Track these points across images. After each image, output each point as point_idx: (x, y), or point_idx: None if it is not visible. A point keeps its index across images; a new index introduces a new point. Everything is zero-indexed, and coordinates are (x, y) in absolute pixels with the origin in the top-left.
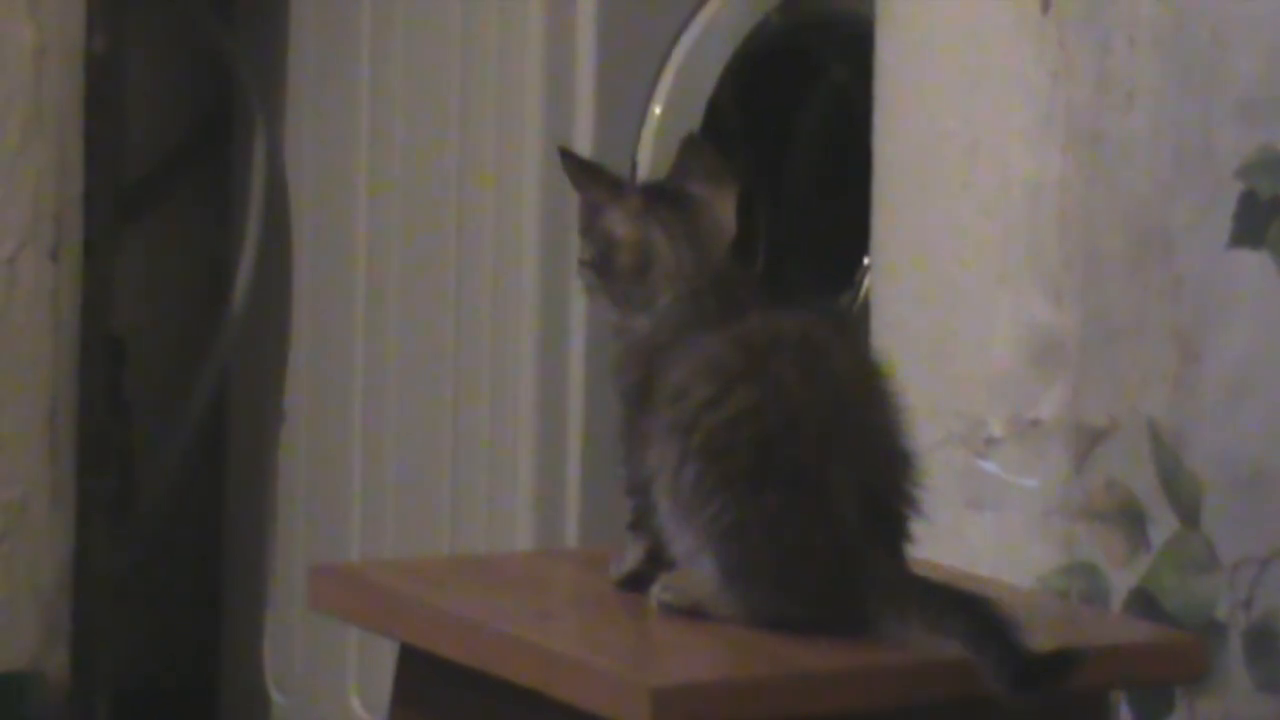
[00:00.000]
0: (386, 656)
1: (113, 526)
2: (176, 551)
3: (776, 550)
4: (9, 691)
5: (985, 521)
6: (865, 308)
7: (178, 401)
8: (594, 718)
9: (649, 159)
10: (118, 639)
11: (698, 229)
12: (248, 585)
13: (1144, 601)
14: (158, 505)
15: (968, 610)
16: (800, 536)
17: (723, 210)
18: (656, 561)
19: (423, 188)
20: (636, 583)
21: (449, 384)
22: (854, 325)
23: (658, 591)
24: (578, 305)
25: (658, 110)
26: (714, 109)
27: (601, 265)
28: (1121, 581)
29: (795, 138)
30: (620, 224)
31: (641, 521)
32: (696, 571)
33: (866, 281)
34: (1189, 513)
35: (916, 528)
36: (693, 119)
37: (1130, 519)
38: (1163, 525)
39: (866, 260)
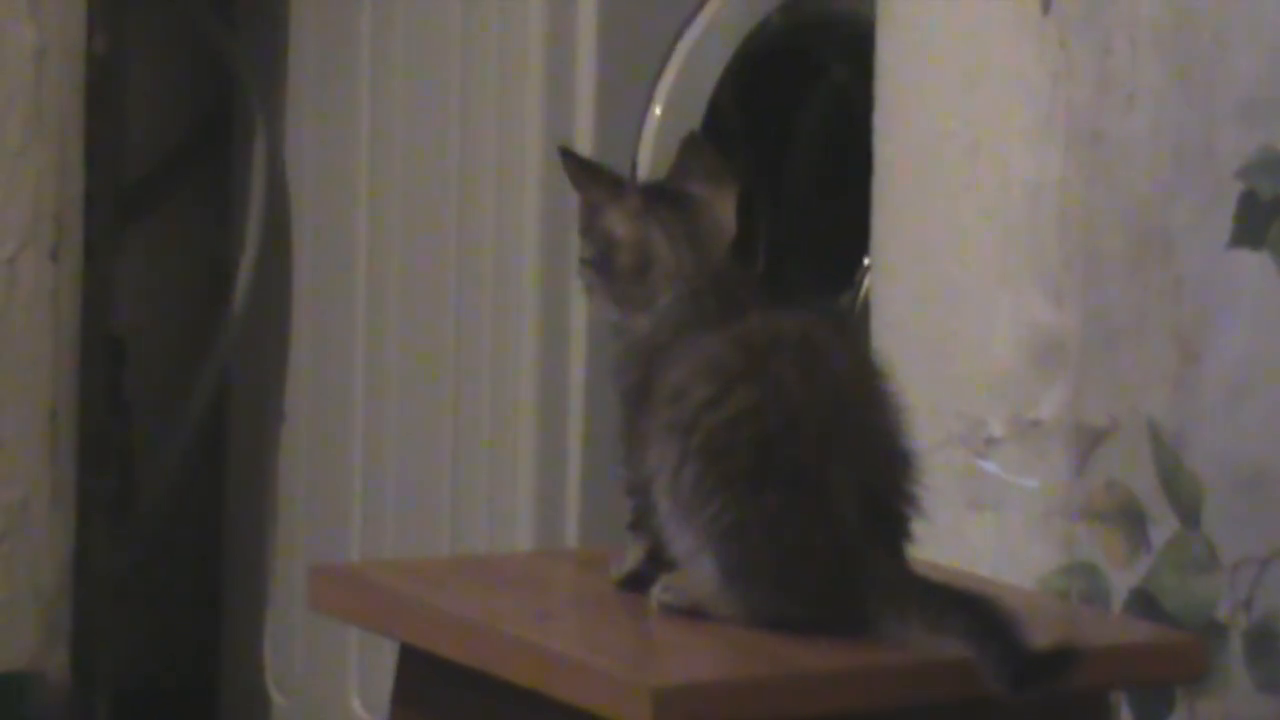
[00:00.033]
0: (386, 656)
1: (113, 526)
2: (176, 551)
3: (776, 550)
4: (9, 691)
5: (985, 522)
6: (865, 308)
7: (178, 401)
8: (594, 718)
9: (649, 159)
10: (118, 639)
11: (698, 229)
12: (248, 585)
13: (1144, 602)
14: (158, 505)
15: (968, 609)
16: (800, 536)
17: (723, 210)
18: (657, 562)
19: (423, 188)
20: (637, 583)
21: (449, 384)
22: (854, 325)
23: (658, 592)
24: (578, 305)
25: (658, 110)
26: (714, 109)
27: (601, 265)
28: (1122, 582)
29: (795, 138)
30: (620, 223)
31: (641, 522)
32: (696, 572)
33: (866, 281)
34: (1189, 513)
35: (917, 528)
36: (693, 119)
37: (1130, 519)
38: (1163, 526)
39: (866, 260)
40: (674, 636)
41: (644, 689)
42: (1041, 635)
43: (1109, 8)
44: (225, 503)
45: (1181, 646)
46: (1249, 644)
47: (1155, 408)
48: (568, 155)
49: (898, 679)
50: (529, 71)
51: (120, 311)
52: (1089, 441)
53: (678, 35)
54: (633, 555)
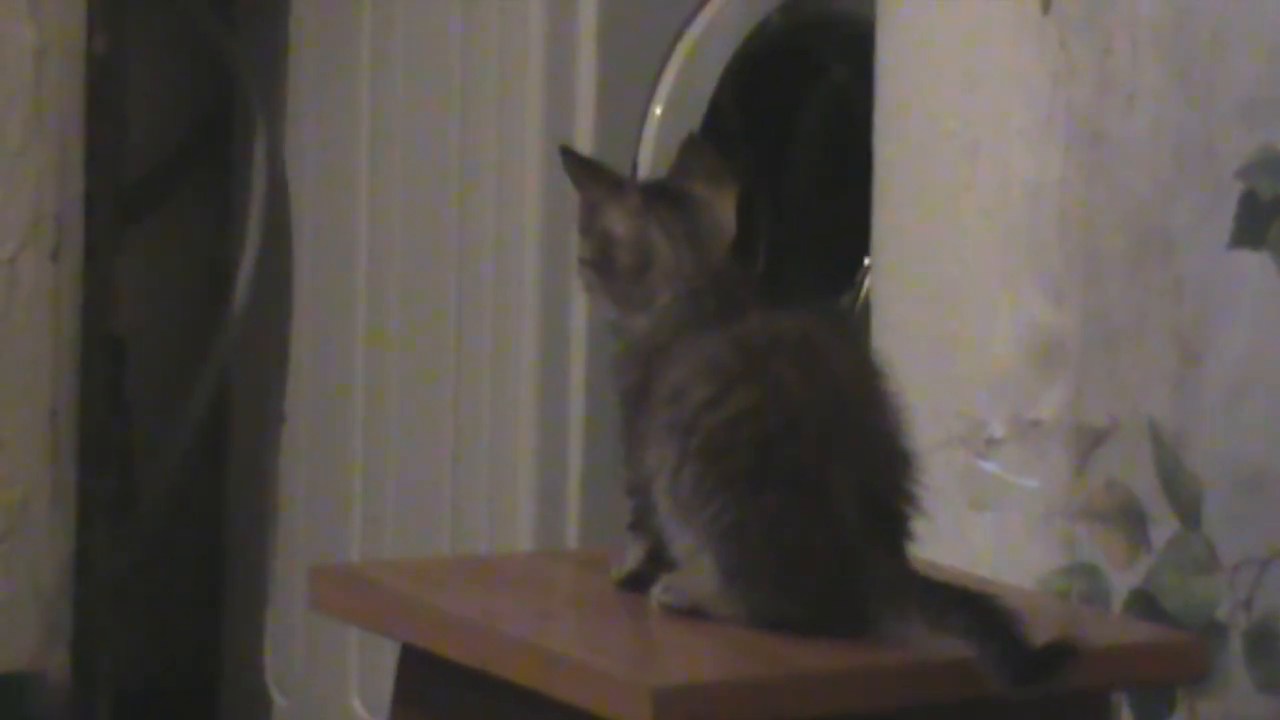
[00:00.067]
0: (387, 657)
1: (113, 526)
2: (176, 551)
3: (777, 550)
4: (9, 691)
5: (986, 522)
6: (865, 308)
7: (178, 402)
8: (594, 718)
9: (649, 159)
10: (118, 639)
11: (697, 229)
12: (248, 585)
13: (1145, 602)
14: (158, 505)
15: (969, 607)
16: (800, 537)
17: (723, 210)
18: (657, 562)
19: (423, 188)
20: (637, 583)
21: (449, 384)
22: (854, 325)
23: (658, 592)
24: (578, 305)
25: (658, 110)
26: (714, 109)
27: (601, 264)
28: (1122, 582)
29: (795, 138)
30: (619, 223)
31: (642, 522)
32: (696, 572)
33: (866, 281)
34: (1190, 513)
35: (917, 527)
36: (693, 119)
37: (1131, 520)
38: (1163, 526)
39: (866, 260)
40: (674, 636)
41: (644, 689)
42: (1042, 635)
43: (1109, 8)
44: (225, 503)
45: (1182, 647)
46: (1249, 644)
47: (1155, 408)
48: (568, 154)
49: (898, 679)
50: (529, 71)
51: (120, 311)
52: (1089, 441)
53: (678, 35)
54: (633, 555)
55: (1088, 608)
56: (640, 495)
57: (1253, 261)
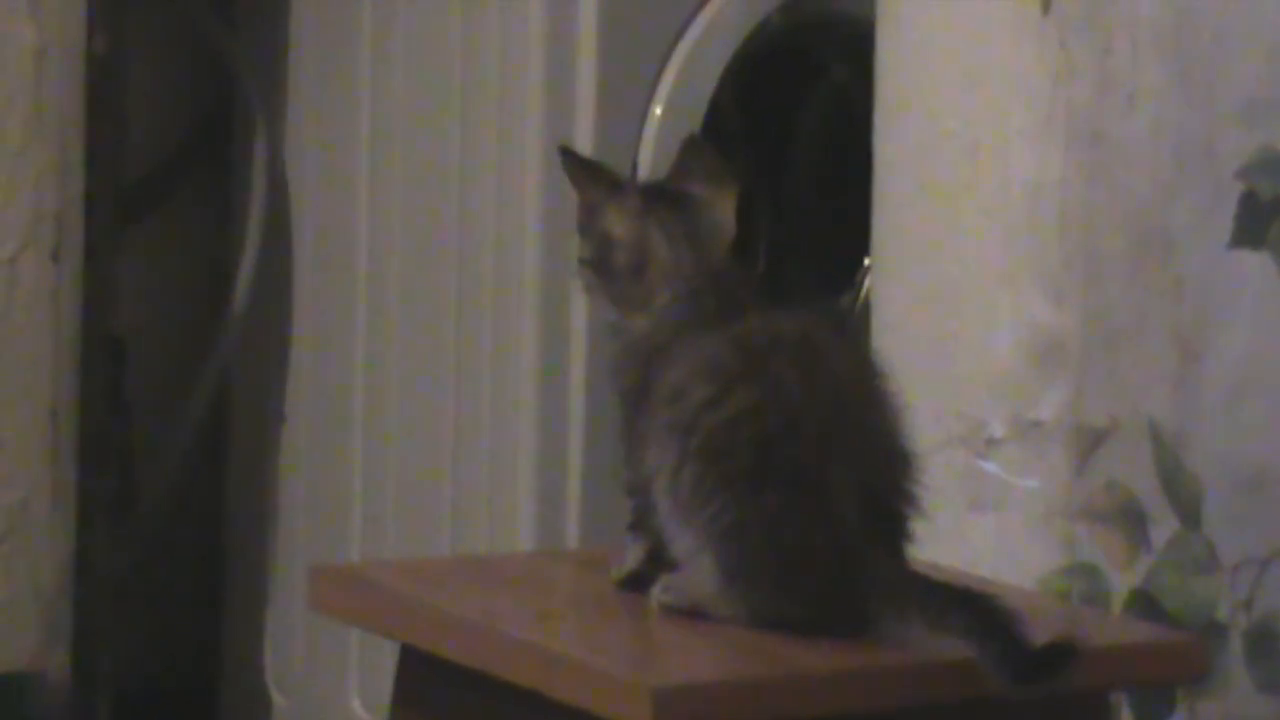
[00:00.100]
0: (387, 657)
1: (113, 526)
2: (176, 551)
3: (777, 550)
4: (9, 691)
5: (986, 522)
6: (865, 308)
7: (178, 401)
8: (594, 718)
9: (650, 159)
10: (118, 639)
11: (697, 229)
12: (248, 585)
13: (1145, 602)
14: (158, 505)
15: (969, 607)
16: (800, 537)
17: (722, 211)
18: (657, 562)
19: (423, 188)
20: (637, 583)
21: (450, 384)
22: (854, 325)
23: (658, 592)
24: (578, 305)
25: (658, 111)
26: (714, 109)
27: (600, 264)
28: (1122, 582)
29: (795, 138)
30: (619, 223)
31: (642, 522)
32: (697, 572)
33: (866, 281)
34: (1190, 513)
35: (917, 527)
36: (693, 119)
37: (1131, 520)
38: (1163, 526)
39: (866, 260)
40: (674, 636)
41: (644, 689)
42: (1042, 635)
43: (1109, 8)
44: (225, 503)
45: (1182, 647)
46: (1249, 644)
47: (1155, 408)
48: (567, 155)
49: (898, 679)
50: (529, 71)
51: (120, 311)
52: (1089, 442)
53: (678, 35)
54: (633, 555)
55: (1088, 608)
56: (640, 495)
57: (1253, 261)
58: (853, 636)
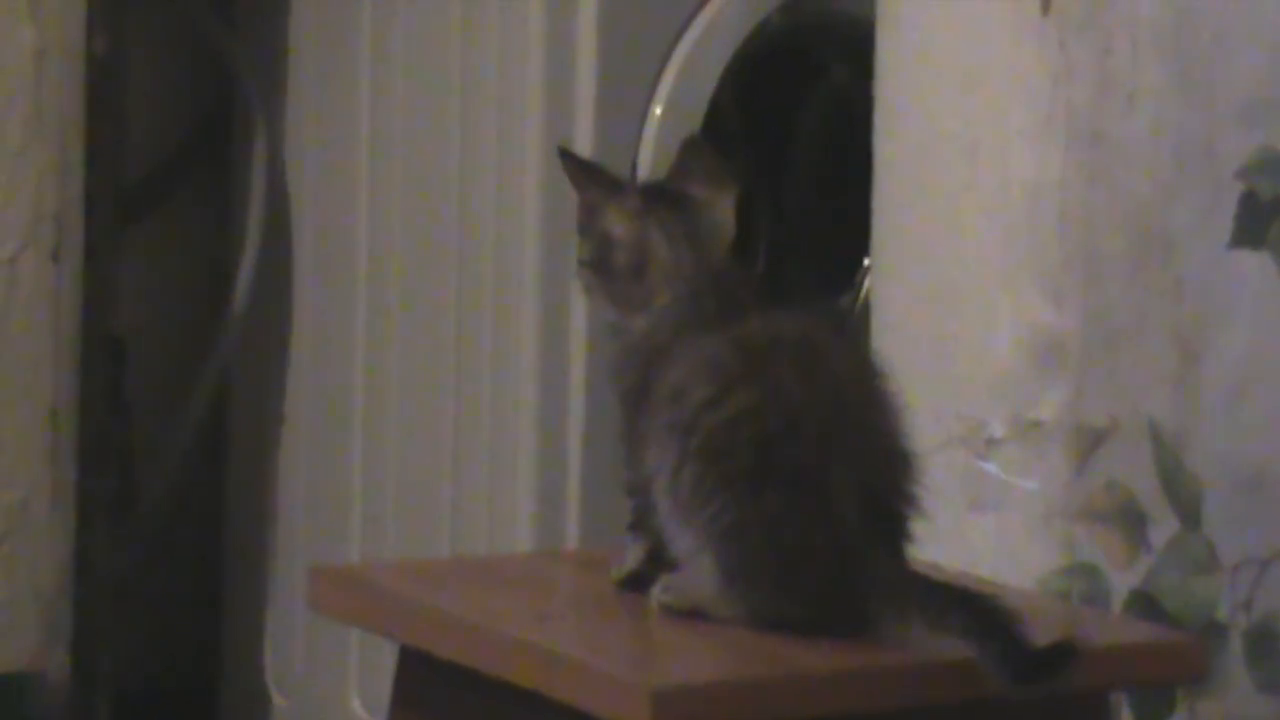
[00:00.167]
0: (386, 657)
1: (113, 526)
2: (176, 551)
3: (777, 551)
4: (9, 691)
5: (986, 523)
6: (865, 308)
7: (178, 402)
8: (594, 719)
9: (649, 160)
10: (118, 639)
11: (697, 229)
12: (248, 585)
13: (1144, 603)
14: (158, 505)
15: (969, 607)
16: (800, 537)
17: (722, 211)
18: (657, 562)
19: (423, 188)
20: (637, 583)
21: (450, 384)
22: (854, 326)
23: (658, 592)
24: (578, 305)
25: (658, 111)
26: (714, 109)
27: (600, 265)
28: (1122, 582)
29: (795, 138)
30: (618, 223)
31: (641, 522)
32: (697, 572)
33: (866, 282)
34: (1190, 514)
35: (917, 528)
36: (693, 119)
37: (1131, 520)
38: (1163, 526)
39: (866, 260)
40: (674, 637)
41: (644, 689)
42: (1042, 636)
43: (1109, 8)
44: (225, 503)
45: (1182, 647)
46: (1249, 644)
47: (1155, 408)
48: (567, 155)
49: (898, 679)
50: (529, 71)
51: (120, 311)
52: (1089, 442)
53: (678, 35)
54: (633, 555)
55: (1088, 608)
56: (640, 495)
57: (1253, 261)
58: (853, 636)
